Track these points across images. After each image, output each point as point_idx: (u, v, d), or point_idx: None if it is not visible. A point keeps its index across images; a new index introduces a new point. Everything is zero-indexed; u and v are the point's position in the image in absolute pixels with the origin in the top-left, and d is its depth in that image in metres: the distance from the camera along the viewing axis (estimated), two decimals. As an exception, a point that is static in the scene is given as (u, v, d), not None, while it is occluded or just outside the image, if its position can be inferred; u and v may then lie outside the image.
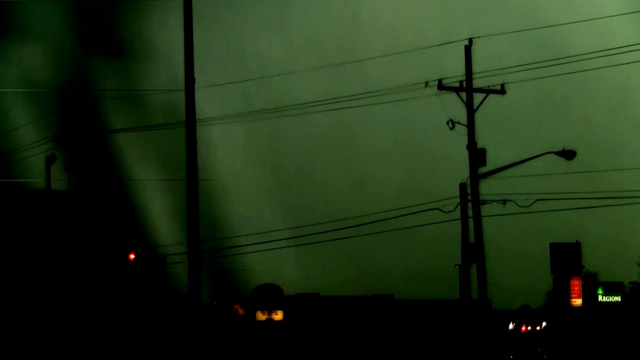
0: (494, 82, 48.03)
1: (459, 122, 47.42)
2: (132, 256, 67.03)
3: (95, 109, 63.73)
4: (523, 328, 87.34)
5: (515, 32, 57.04)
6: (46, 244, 46.39)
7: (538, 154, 47.87)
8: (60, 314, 46.34)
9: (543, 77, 48.09)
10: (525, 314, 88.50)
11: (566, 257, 59.64)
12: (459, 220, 47.67)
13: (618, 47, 44.92)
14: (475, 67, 48.25)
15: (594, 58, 45.69)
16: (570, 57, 46.62)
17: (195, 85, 30.66)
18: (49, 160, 58.86)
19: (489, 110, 48.39)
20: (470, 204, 47.65)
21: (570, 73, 47.84)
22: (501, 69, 48.12)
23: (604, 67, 46.58)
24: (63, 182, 57.93)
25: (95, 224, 47.80)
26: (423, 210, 49.18)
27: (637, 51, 44.97)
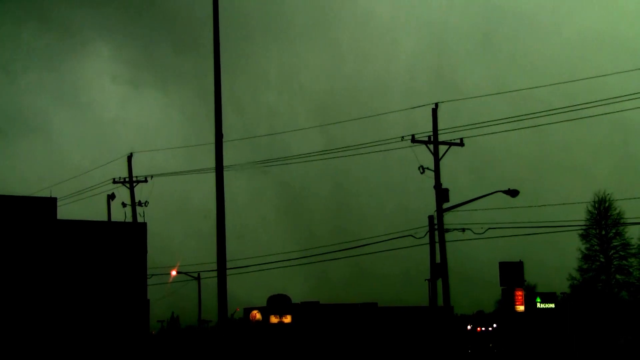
0: (457, 136, 48.43)
1: (427, 168, 47.65)
2: (173, 272, 66.96)
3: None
4: (478, 329, 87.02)
5: (478, 97, 57.22)
6: (111, 267, 46.21)
7: (490, 192, 48.04)
8: (119, 327, 45.99)
9: (499, 132, 48.53)
10: (480, 318, 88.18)
11: (511, 273, 59.48)
12: (428, 245, 47.79)
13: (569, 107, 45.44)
14: (442, 125, 48.61)
15: (548, 115, 46.18)
16: (522, 115, 47.03)
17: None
18: (110, 197, 58.94)
19: (453, 156, 48.70)
20: (436, 232, 47.80)
21: (523, 128, 48.19)
22: (462, 125, 48.47)
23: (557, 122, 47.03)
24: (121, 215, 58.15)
25: (146, 249, 47.60)
26: (400, 237, 49.31)
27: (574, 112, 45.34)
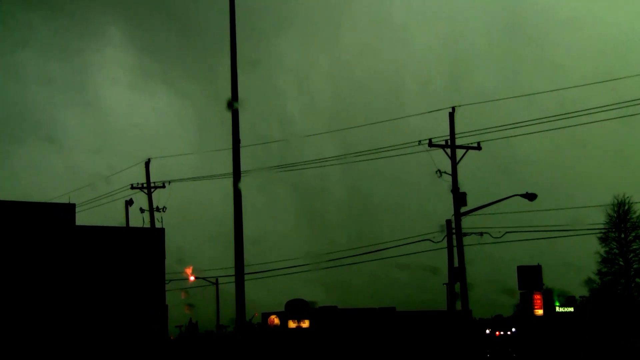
0: (476, 139, 48.37)
1: (445, 172, 47.63)
2: (192, 278, 67.11)
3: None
4: (497, 333, 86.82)
5: (493, 100, 57.16)
6: (129, 273, 46.38)
7: (507, 196, 47.96)
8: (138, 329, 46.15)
9: (518, 135, 48.48)
10: (498, 322, 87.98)
11: (530, 277, 59.35)
12: (446, 249, 47.73)
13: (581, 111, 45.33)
14: (459, 128, 48.61)
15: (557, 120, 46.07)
16: (538, 119, 46.93)
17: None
18: (128, 203, 59.19)
19: (471, 160, 48.64)
20: (454, 236, 47.73)
21: (536, 132, 48.12)
22: (480, 129, 48.42)
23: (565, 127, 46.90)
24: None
25: (164, 254, 47.77)
26: (418, 241, 49.31)
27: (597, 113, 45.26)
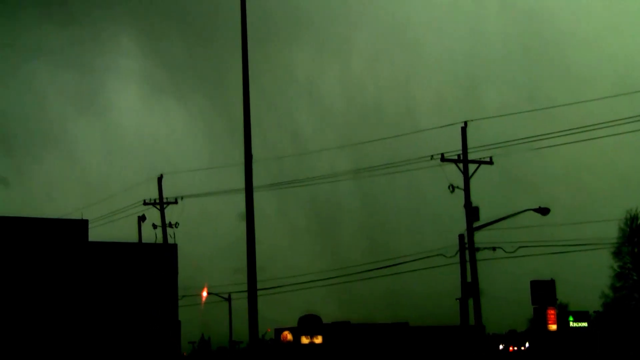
0: (486, 154, 48.27)
1: (457, 187, 47.53)
2: (204, 294, 67.10)
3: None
4: (510, 348, 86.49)
5: (505, 115, 57.07)
6: (142, 289, 46.42)
7: (520, 210, 47.81)
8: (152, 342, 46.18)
9: (531, 150, 48.37)
10: (512, 337, 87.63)
11: (543, 292, 59.14)
12: (459, 264, 47.60)
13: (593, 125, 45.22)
14: (475, 142, 48.58)
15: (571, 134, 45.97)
16: (548, 133, 46.85)
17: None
18: (141, 219, 59.28)
19: (483, 174, 48.55)
20: (467, 251, 47.59)
21: (548, 147, 48.04)
22: (492, 144, 48.29)
23: (577, 141, 46.74)
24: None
25: (177, 270, 47.81)
26: (430, 256, 49.24)
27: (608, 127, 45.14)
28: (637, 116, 43.95)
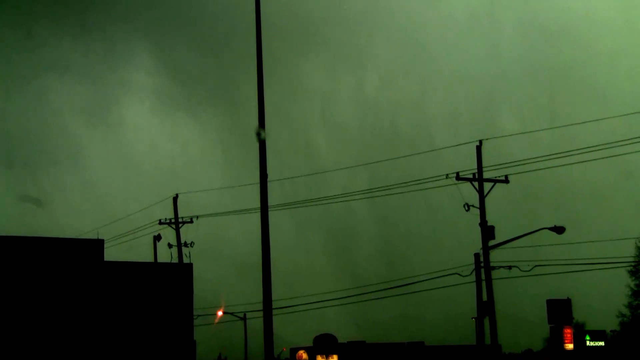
0: (501, 173, 48.23)
1: (472, 205, 47.53)
2: (219, 313, 67.11)
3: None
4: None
5: (521, 133, 56.98)
6: (158, 308, 46.53)
7: (535, 229, 47.75)
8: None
9: (543, 169, 48.25)
10: (528, 357, 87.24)
11: (560, 311, 58.76)
12: (474, 283, 47.53)
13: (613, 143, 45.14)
14: (488, 161, 48.56)
15: (589, 152, 45.85)
16: (567, 151, 46.74)
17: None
18: (156, 239, 59.36)
19: (499, 193, 48.48)
20: (482, 270, 47.55)
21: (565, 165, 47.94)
22: (507, 162, 48.26)
23: (600, 158, 46.66)
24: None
25: (193, 290, 47.93)
26: (446, 275, 49.18)
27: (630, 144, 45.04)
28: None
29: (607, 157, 46.34)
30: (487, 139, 48.77)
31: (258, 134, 30.19)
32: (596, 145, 45.42)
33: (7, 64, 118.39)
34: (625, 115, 50.13)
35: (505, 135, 55.36)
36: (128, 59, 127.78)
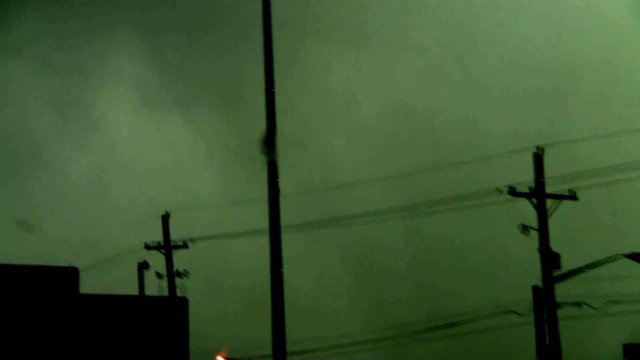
0: (567, 186, 48.00)
1: (531, 227, 47.32)
2: (220, 358, 67.21)
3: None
4: None
5: (586, 138, 56.93)
6: (145, 349, 46.74)
7: (609, 256, 47.50)
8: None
9: (617, 181, 47.98)
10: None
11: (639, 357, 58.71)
12: (534, 323, 47.32)
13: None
14: (548, 172, 48.29)
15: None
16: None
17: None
18: (142, 267, 59.57)
19: (564, 211, 48.23)
20: (544, 307, 47.31)
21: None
22: (575, 173, 48.07)
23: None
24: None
25: (188, 328, 48.16)
26: (499, 313, 49.05)
27: None
28: None
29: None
30: (548, 145, 48.68)
31: (267, 140, 30.26)
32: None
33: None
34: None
35: (573, 140, 55.22)
36: (108, 44, 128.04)
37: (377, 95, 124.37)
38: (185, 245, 60.58)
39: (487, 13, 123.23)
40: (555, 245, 47.57)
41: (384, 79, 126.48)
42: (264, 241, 36.00)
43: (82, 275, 48.21)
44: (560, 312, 47.33)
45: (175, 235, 60.68)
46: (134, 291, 59.10)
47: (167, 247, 60.59)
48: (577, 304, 47.60)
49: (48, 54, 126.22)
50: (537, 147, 48.59)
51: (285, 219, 33.60)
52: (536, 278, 47.63)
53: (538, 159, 48.39)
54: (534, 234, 47.36)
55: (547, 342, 46.89)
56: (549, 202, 47.88)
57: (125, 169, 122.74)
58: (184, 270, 59.94)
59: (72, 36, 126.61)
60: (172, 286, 59.49)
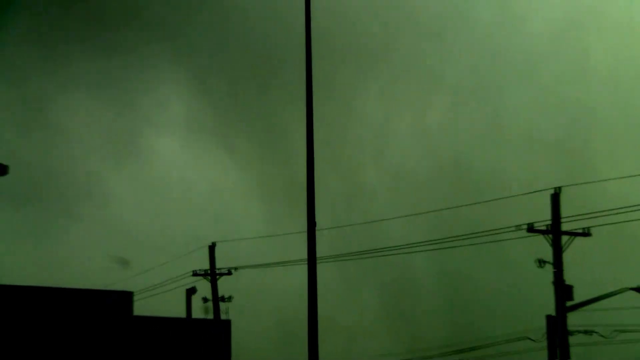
0: (581, 225, 48.22)
1: (547, 261, 47.70)
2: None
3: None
4: None
5: (599, 181, 57.12)
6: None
7: (618, 289, 47.75)
8: None
9: (628, 221, 48.01)
10: None
11: (648, 384, 58.64)
12: (547, 349, 47.64)
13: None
14: (567, 211, 48.65)
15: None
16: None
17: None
18: (190, 292, 60.56)
19: (578, 247, 48.48)
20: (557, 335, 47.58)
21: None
22: (589, 213, 48.25)
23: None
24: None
25: (230, 350, 48.71)
26: (516, 340, 49.50)
27: None
28: None
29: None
30: (566, 186, 49.10)
31: (307, 176, 30.81)
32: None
33: (26, 85, 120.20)
34: None
35: (588, 182, 55.47)
36: (159, 84, 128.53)
37: (407, 137, 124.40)
38: (229, 273, 61.52)
39: (513, 56, 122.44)
40: (570, 278, 47.96)
41: (415, 121, 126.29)
42: (303, 270, 36.84)
43: (135, 298, 49.02)
44: (572, 339, 47.68)
45: (221, 263, 61.56)
46: (183, 314, 60.06)
47: (212, 274, 61.54)
48: (588, 332, 48.02)
49: (102, 87, 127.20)
50: (555, 188, 49.06)
51: (321, 250, 34.43)
52: (550, 308, 48.02)
53: (555, 198, 48.89)
54: (550, 267, 47.73)
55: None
56: (564, 239, 48.29)
57: (173, 199, 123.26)
58: (229, 295, 60.90)
59: (124, 70, 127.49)
60: (216, 310, 60.46)
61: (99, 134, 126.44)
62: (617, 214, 47.37)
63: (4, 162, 41.71)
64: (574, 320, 47.87)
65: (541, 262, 47.57)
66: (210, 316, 59.15)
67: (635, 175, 52.28)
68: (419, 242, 57.19)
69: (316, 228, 31.27)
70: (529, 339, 48.45)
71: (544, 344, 47.66)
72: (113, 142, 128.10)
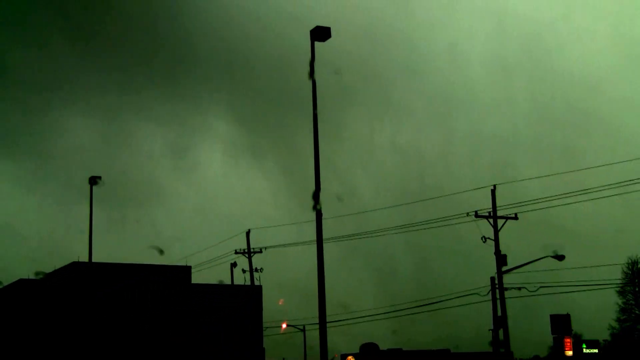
0: (512, 211, 47.66)
1: (489, 238, 47.04)
2: (284, 326, 66.49)
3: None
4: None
5: (522, 180, 56.02)
6: (234, 322, 46.28)
7: (540, 257, 47.05)
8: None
9: (544, 208, 47.53)
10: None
11: (561, 324, 57.38)
12: (491, 301, 46.94)
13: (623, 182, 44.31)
14: (503, 201, 48.08)
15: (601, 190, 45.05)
16: (565, 193, 46.00)
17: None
18: (233, 265, 59.37)
19: (510, 227, 47.77)
20: (497, 291, 46.90)
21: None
22: (518, 202, 47.74)
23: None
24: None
25: (262, 307, 47.62)
26: (468, 294, 48.56)
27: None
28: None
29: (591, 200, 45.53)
30: (500, 184, 48.33)
31: (315, 180, 29.87)
32: (582, 190, 44.77)
33: (116, 122, 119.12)
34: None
35: (519, 180, 54.54)
36: (207, 111, 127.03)
37: (386, 145, 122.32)
38: (260, 251, 60.29)
39: (464, 81, 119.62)
40: (504, 250, 47.37)
41: (405, 144, 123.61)
42: (312, 248, 35.44)
43: (193, 271, 47.82)
44: (508, 294, 46.95)
45: (255, 244, 60.44)
46: (228, 281, 58.83)
47: (249, 252, 60.31)
48: (519, 288, 47.17)
49: (168, 117, 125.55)
50: (493, 185, 48.40)
51: (326, 233, 33.24)
52: (492, 271, 47.41)
53: (493, 193, 48.12)
54: (491, 243, 47.12)
55: (499, 314, 46.46)
56: (500, 222, 47.62)
57: (218, 197, 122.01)
58: (261, 267, 59.60)
59: (183, 105, 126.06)
60: (252, 278, 59.13)
61: (163, 151, 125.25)
62: (536, 203, 46.95)
63: (99, 175, 40.53)
64: (509, 279, 47.10)
65: (484, 239, 46.70)
66: (248, 283, 57.82)
67: (549, 175, 51.07)
68: (396, 227, 56.05)
69: (322, 217, 30.19)
70: (478, 294, 47.50)
71: (489, 297, 46.86)
72: (174, 156, 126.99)
